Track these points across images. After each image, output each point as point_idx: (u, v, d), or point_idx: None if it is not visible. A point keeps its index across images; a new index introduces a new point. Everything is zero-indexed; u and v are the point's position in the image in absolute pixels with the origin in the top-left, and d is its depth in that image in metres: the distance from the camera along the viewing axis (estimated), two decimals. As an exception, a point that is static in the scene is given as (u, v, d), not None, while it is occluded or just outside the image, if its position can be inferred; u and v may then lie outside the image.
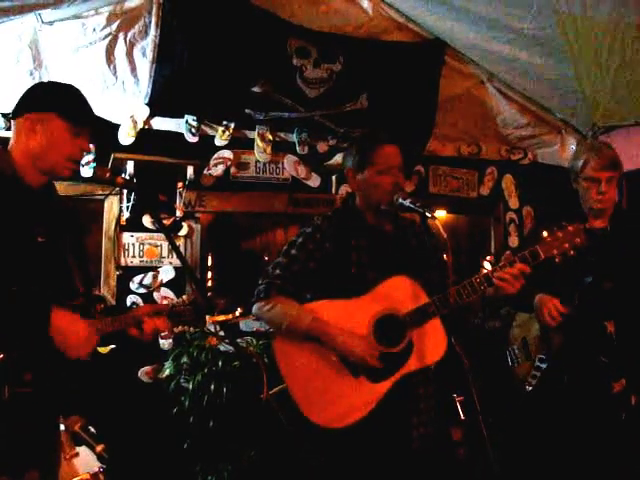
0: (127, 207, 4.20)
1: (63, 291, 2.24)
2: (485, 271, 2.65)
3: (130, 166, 4.12)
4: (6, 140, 2.35)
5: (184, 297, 2.57)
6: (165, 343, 4.13)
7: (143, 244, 4.27)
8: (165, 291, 4.27)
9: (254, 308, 2.78)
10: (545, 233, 2.66)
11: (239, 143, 4.49)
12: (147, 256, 4.28)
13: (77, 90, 2.41)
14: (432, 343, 2.67)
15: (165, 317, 2.45)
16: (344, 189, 4.79)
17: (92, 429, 2.55)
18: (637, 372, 3.12)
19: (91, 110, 2.40)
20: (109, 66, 3.92)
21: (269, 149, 4.52)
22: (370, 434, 2.61)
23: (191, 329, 3.87)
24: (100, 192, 4.16)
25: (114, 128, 3.99)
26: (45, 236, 2.28)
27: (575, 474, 3.14)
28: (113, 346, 3.26)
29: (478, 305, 2.94)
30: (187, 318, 2.53)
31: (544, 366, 3.20)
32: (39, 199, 2.34)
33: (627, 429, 3.11)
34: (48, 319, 2.12)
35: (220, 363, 3.91)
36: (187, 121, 4.28)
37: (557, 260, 2.64)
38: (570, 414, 3.13)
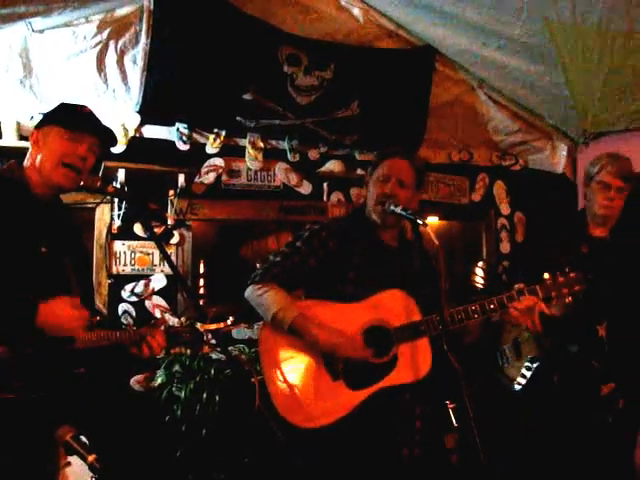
0: (118, 215, 4.18)
1: None
2: (481, 301, 2.69)
3: (121, 174, 4.10)
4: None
5: (182, 319, 2.59)
6: (157, 351, 4.11)
7: (134, 252, 4.26)
8: (157, 299, 4.25)
9: (247, 290, 2.79)
10: (547, 275, 2.73)
11: (230, 151, 4.49)
12: (138, 264, 4.27)
13: (81, 106, 2.51)
14: (416, 362, 2.66)
15: (163, 333, 2.48)
16: (335, 196, 4.80)
17: (84, 439, 2.52)
18: (626, 376, 3.16)
19: (89, 118, 2.47)
20: (100, 74, 3.91)
21: (260, 157, 4.52)
22: (344, 440, 2.59)
23: (188, 351, 3.85)
24: (91, 200, 4.13)
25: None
26: (48, 247, 2.35)
27: (562, 474, 3.17)
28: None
29: (475, 328, 2.95)
30: (185, 339, 2.55)
31: (535, 366, 3.22)
32: (46, 211, 2.42)
33: (614, 432, 3.15)
34: (34, 312, 2.15)
35: (212, 371, 3.89)
36: (178, 129, 4.28)
37: (553, 303, 2.75)
38: (558, 414, 3.16)
